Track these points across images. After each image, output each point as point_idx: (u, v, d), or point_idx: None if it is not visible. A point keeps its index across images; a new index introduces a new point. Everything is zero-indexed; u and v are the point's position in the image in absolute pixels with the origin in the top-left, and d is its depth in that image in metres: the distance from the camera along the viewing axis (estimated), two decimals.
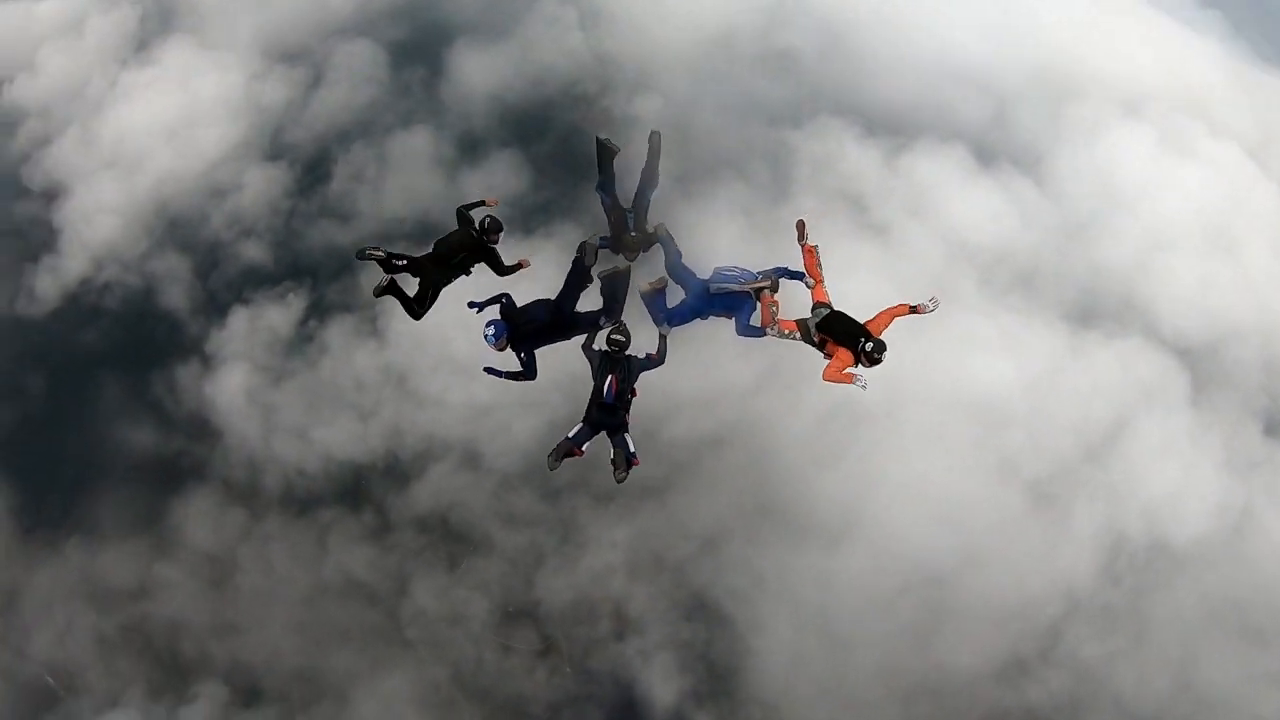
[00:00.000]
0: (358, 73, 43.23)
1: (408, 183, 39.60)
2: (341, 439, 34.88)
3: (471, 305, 12.46)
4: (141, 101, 43.50)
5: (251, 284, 38.27)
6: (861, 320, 11.13)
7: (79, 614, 35.34)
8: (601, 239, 12.54)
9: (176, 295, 39.50)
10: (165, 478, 36.62)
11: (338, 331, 36.49)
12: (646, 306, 11.86)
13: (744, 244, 36.92)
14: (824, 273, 11.56)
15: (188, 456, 36.69)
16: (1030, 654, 33.30)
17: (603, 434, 11.51)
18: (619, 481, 11.20)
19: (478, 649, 32.14)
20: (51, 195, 43.52)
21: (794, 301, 12.39)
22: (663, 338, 11.65)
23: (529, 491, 32.84)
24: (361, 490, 34.65)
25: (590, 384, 11.59)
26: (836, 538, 33.26)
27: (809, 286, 11.58)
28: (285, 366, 36.51)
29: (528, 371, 11.87)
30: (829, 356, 11.02)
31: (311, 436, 35.25)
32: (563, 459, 11.15)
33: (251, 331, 37.10)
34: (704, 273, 11.79)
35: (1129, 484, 35.23)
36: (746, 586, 32.64)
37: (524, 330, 11.70)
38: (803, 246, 11.73)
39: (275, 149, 41.98)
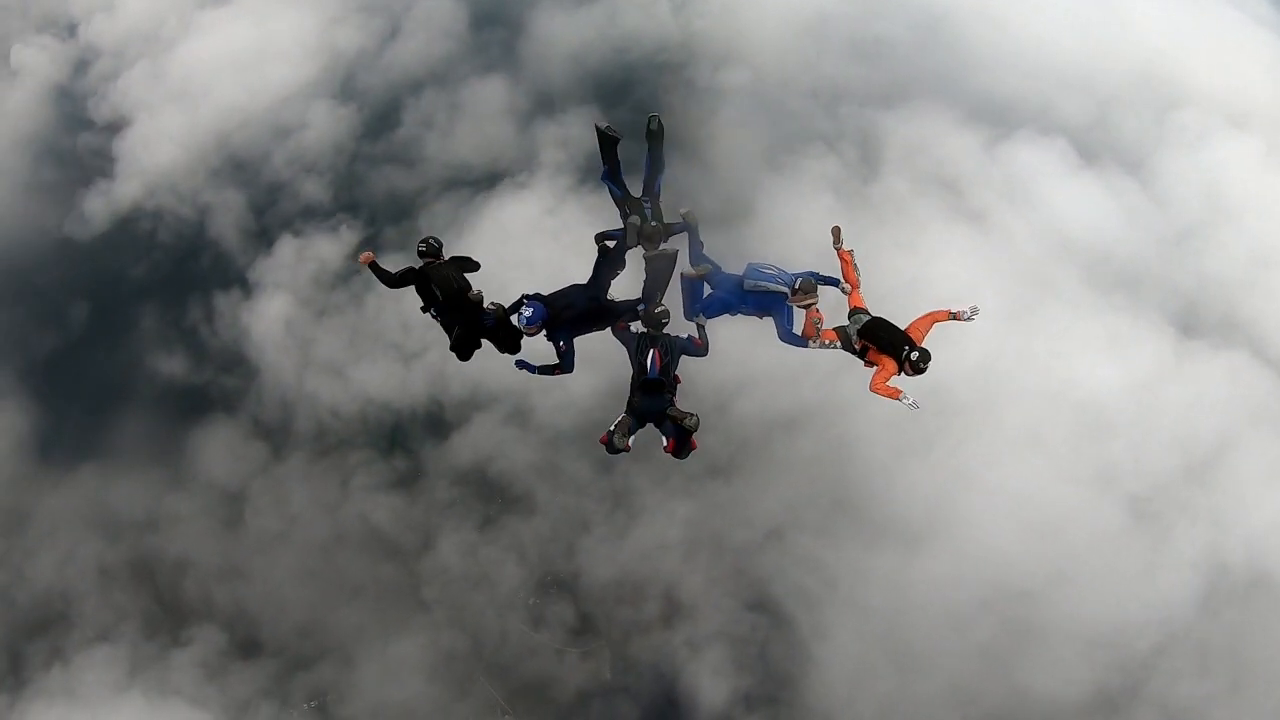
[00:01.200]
0: (436, 26, 37.84)
1: (478, 130, 33.88)
2: (381, 381, 29.11)
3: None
4: (214, 37, 38.43)
5: (304, 218, 32.58)
6: (901, 326, 9.62)
7: (85, 542, 29.90)
8: (615, 231, 10.67)
9: (227, 227, 34.12)
10: (190, 408, 31.13)
11: (386, 263, 30.55)
12: (683, 292, 10.25)
13: (833, 217, 31.00)
14: (860, 277, 10.01)
15: (216, 387, 31.15)
16: (1119, 688, 26.67)
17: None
18: (677, 456, 9.61)
19: (503, 619, 25.90)
20: (116, 128, 38.29)
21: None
22: (701, 327, 10.03)
23: (580, 453, 26.79)
24: (396, 437, 28.55)
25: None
26: (916, 540, 26.96)
27: (844, 292, 10.02)
28: (329, 300, 30.80)
29: (565, 363, 10.19)
30: (869, 364, 9.71)
31: (349, 375, 29.45)
32: (629, 437, 9.38)
33: (298, 261, 31.59)
34: (728, 266, 10.28)
35: (1232, 509, 28.34)
36: (812, 585, 26.37)
37: (562, 317, 9.89)
38: (838, 251, 10.21)
39: (345, 92, 36.79)
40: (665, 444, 9.64)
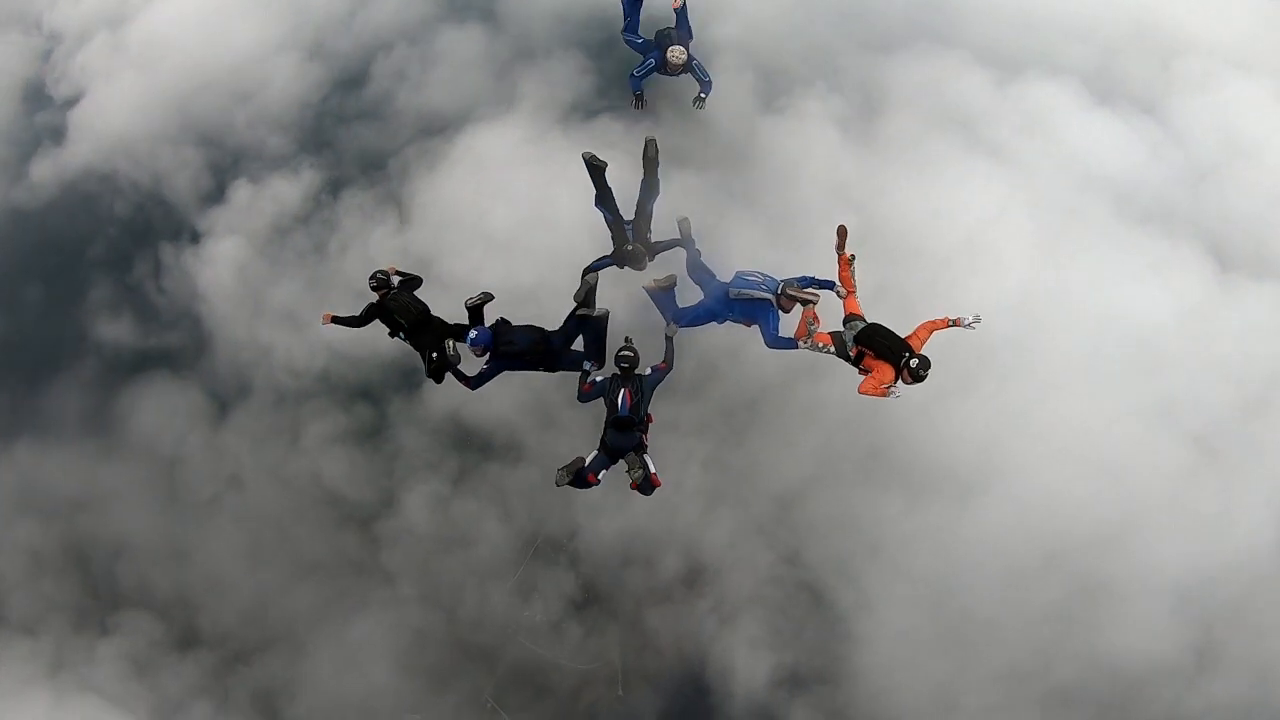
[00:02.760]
0: None
1: (453, 78, 27.58)
2: (344, 331, 22.06)
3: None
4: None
5: (263, 165, 25.91)
6: (901, 334, 8.47)
7: (14, 525, 22.85)
8: (602, 259, 9.74)
9: (182, 185, 27.21)
10: (131, 373, 23.97)
11: (352, 206, 24.08)
12: (655, 303, 9.08)
13: (839, 155, 25.38)
14: (857, 283, 8.74)
15: (160, 347, 24.09)
16: (1204, 644, 20.07)
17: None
18: (642, 492, 8.62)
19: (484, 590, 18.88)
20: (73, 102, 31.47)
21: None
22: (669, 339, 8.97)
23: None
24: (360, 390, 21.75)
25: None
26: (965, 491, 21.01)
27: (840, 296, 8.80)
28: (287, 243, 24.01)
29: (476, 382, 9.32)
30: (864, 371, 8.54)
31: (309, 326, 22.52)
32: (572, 477, 8.46)
33: (253, 204, 24.74)
34: (725, 275, 8.97)
35: None
36: (850, 547, 19.74)
37: (501, 348, 9.08)
38: (839, 255, 8.82)
39: (312, 49, 30.13)
40: (631, 482, 8.60)
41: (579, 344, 9.65)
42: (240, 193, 25.18)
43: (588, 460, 8.76)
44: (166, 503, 21.74)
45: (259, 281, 23.52)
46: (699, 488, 19.20)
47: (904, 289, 22.99)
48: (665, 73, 10.35)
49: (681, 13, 10.24)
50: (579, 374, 9.26)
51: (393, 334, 9.87)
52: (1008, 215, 24.10)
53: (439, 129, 26.30)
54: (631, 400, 8.60)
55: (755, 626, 18.10)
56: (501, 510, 19.31)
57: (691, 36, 10.41)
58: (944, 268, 23.29)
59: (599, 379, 9.12)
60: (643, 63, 10.13)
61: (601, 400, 8.90)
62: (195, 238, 24.96)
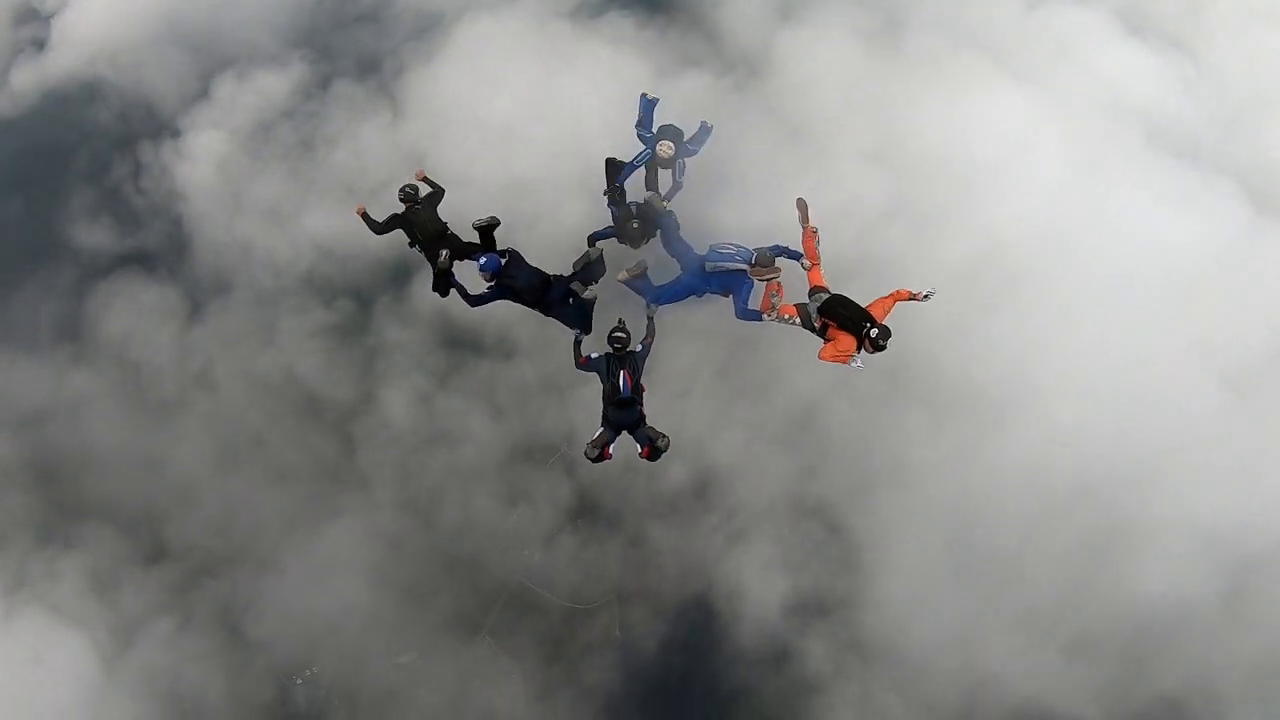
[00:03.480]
0: None
1: None
2: (332, 228, 19.39)
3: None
4: None
5: (250, 61, 22.83)
6: (863, 304, 8.08)
7: None
8: (606, 229, 9.65)
9: (165, 87, 24.08)
10: (105, 275, 21.11)
11: (342, 99, 21.17)
12: (632, 290, 9.03)
13: (862, 72, 22.64)
14: (820, 254, 8.48)
15: (135, 244, 21.17)
16: (1234, 595, 17.60)
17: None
18: (651, 459, 8.64)
19: (468, 496, 16.31)
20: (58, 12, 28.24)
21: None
22: (650, 319, 8.96)
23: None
24: (345, 287, 19.02)
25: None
26: (989, 419, 18.32)
27: (805, 269, 8.56)
28: (272, 138, 21.11)
29: (476, 301, 9.34)
30: (828, 341, 8.18)
31: (295, 223, 19.76)
32: (600, 449, 8.50)
33: (236, 98, 21.78)
34: (701, 248, 8.78)
35: None
36: (871, 465, 17.22)
37: (505, 281, 9.07)
38: (804, 229, 8.67)
39: None
40: (640, 451, 8.60)
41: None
42: (224, 88, 22.18)
43: (594, 437, 8.73)
44: (136, 409, 19.12)
45: (242, 177, 20.79)
46: (710, 393, 16.62)
47: (922, 207, 20.55)
48: (653, 164, 9.98)
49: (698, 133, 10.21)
50: (573, 342, 9.15)
51: (411, 244, 9.71)
52: (1034, 139, 21.45)
53: (437, 22, 23.28)
54: (632, 381, 8.57)
55: (767, 547, 15.76)
56: (490, 409, 16.71)
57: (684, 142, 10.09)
58: (965, 188, 20.73)
59: (595, 356, 8.98)
60: (639, 154, 9.66)
61: (599, 378, 8.83)
62: (176, 134, 22.02)
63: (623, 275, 9.00)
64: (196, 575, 16.88)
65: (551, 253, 20.02)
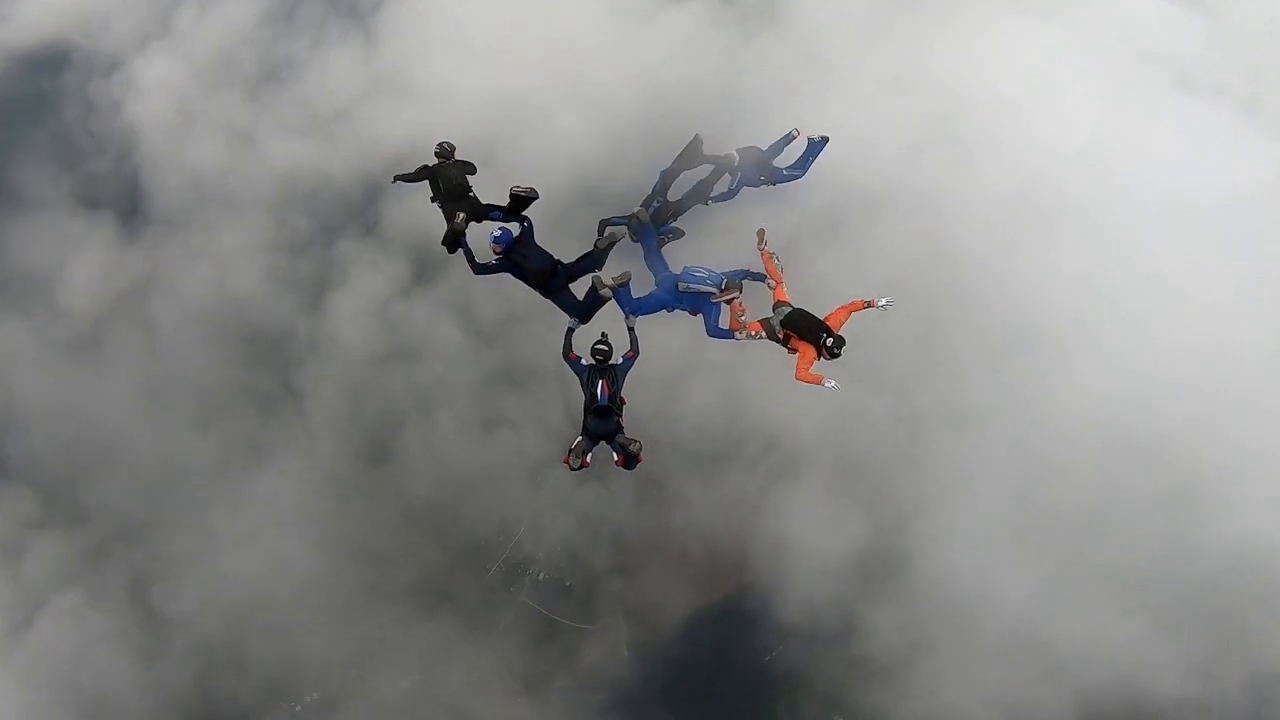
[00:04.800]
0: None
1: None
2: (297, 151, 16.05)
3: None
4: None
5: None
6: (821, 315, 7.91)
7: None
8: (617, 218, 8.71)
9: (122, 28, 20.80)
10: (55, 210, 17.43)
11: (310, 24, 17.92)
12: (615, 299, 8.21)
13: (876, 15, 19.81)
14: (784, 274, 8.20)
15: (85, 183, 17.56)
16: None
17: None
18: (628, 467, 7.50)
19: (432, 430, 12.44)
20: None
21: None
22: (631, 330, 8.23)
23: (578, 203, 13.83)
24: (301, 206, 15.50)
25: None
26: (1052, 348, 14.70)
27: (770, 288, 8.21)
28: (233, 66, 17.79)
29: (480, 269, 7.71)
30: (792, 351, 7.98)
31: (253, 151, 16.39)
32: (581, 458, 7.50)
33: (197, 26, 18.49)
34: (676, 268, 8.29)
35: None
36: (925, 405, 13.68)
37: (514, 257, 8.01)
38: (762, 251, 8.33)
39: None
40: (616, 459, 7.68)
41: (580, 289, 8.73)
42: (184, 16, 18.91)
43: (573, 445, 7.79)
44: (58, 352, 15.33)
45: (199, 108, 17.35)
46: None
47: (954, 138, 17.56)
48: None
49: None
50: (566, 329, 8.32)
51: (433, 199, 8.67)
52: (1059, 76, 18.72)
53: None
54: (609, 390, 8.01)
55: (814, 493, 12.00)
56: (459, 315, 12.99)
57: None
58: (996, 120, 17.88)
59: (583, 361, 8.19)
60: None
61: (579, 384, 8.06)
62: (127, 70, 18.62)
63: (610, 281, 8.47)
64: (112, 540, 12.95)
65: (539, 170, 17.06)
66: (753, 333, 8.33)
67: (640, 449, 7.97)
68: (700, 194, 9.01)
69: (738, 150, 8.80)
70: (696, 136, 8.81)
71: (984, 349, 14.77)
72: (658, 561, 14.15)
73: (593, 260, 8.64)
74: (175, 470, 13.20)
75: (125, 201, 17.32)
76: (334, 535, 12.22)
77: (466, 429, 12.78)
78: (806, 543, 12.39)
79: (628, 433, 8.03)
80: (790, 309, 8.14)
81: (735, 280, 8.31)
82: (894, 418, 13.60)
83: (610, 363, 8.30)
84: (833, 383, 7.73)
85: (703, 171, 8.97)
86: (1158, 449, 14.30)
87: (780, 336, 8.23)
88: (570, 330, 8.50)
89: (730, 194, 8.99)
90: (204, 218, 15.88)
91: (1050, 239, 16.60)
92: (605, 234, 8.69)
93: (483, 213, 8.68)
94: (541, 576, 14.65)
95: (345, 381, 13.20)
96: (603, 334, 8.26)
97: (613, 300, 8.37)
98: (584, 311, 8.68)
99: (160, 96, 17.84)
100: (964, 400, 14.02)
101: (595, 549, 14.73)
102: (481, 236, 8.21)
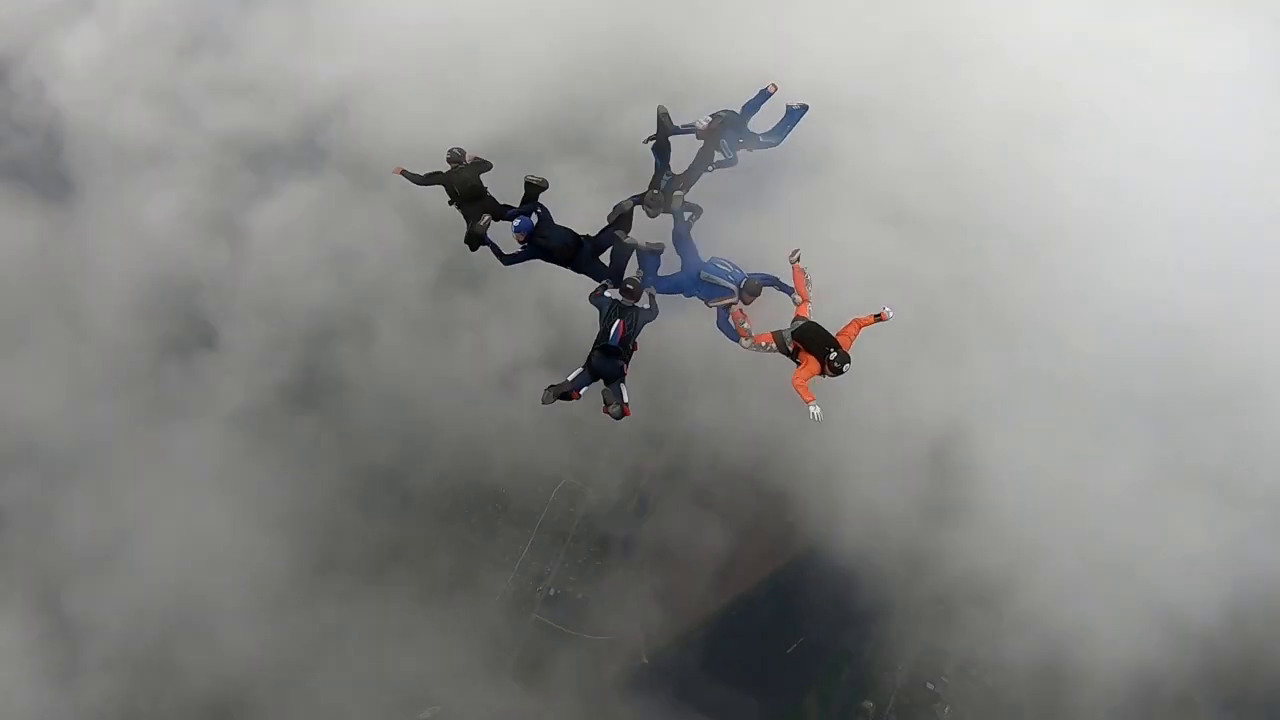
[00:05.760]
0: None
1: None
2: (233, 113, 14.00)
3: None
4: None
5: None
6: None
7: None
8: (634, 198, 8.44)
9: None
10: None
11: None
12: (639, 262, 8.28)
13: None
14: (812, 293, 7.96)
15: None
16: None
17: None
18: (613, 417, 7.63)
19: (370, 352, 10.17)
20: None
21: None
22: (651, 296, 8.15)
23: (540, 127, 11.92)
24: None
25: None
26: (1076, 256, 12.71)
27: (795, 304, 7.96)
28: (160, 34, 15.80)
29: (509, 260, 8.26)
30: (799, 365, 7.75)
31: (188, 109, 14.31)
32: (557, 399, 7.44)
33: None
34: (705, 256, 8.11)
35: None
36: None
37: (538, 240, 8.28)
38: (794, 266, 8.07)
39: None
40: (603, 407, 7.67)
41: (605, 257, 8.56)
42: None
43: (571, 377, 7.67)
44: None
45: (121, 79, 15.32)
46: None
47: (940, 48, 15.84)
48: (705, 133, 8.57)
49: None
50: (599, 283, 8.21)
51: (450, 202, 8.63)
52: None
53: None
54: (624, 333, 7.77)
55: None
56: (409, 220, 10.68)
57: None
58: (982, 29, 16.19)
59: (607, 294, 8.10)
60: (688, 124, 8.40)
61: (597, 318, 7.90)
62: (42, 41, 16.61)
63: (643, 244, 8.30)
64: (12, 539, 10.33)
65: (498, 96, 15.16)
66: (761, 344, 8.11)
67: (620, 412, 7.58)
68: (702, 163, 8.66)
69: (712, 115, 8.37)
70: (659, 108, 8.46)
71: (1011, 258, 12.79)
72: (676, 560, 12.84)
73: (613, 232, 8.40)
74: (86, 448, 10.72)
75: (53, 182, 15.24)
76: (278, 507, 9.71)
77: (420, 338, 10.50)
78: (860, 492, 10.28)
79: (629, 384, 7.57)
80: (805, 322, 7.98)
81: (755, 281, 8.09)
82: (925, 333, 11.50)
83: (635, 305, 8.15)
84: (817, 410, 7.53)
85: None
86: (1204, 338, 12.33)
87: (790, 349, 8.08)
88: (602, 285, 8.26)
89: (729, 161, 8.58)
90: (137, 188, 13.72)
91: (1062, 138, 14.81)
92: (614, 208, 8.39)
93: (500, 212, 8.64)
94: (553, 592, 13.45)
95: (271, 303, 10.85)
96: (639, 270, 8.10)
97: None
98: (616, 272, 8.50)
99: (85, 71, 15.93)
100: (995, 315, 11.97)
101: (607, 554, 13.13)
102: (503, 231, 8.00)
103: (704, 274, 8.27)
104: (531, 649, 13.18)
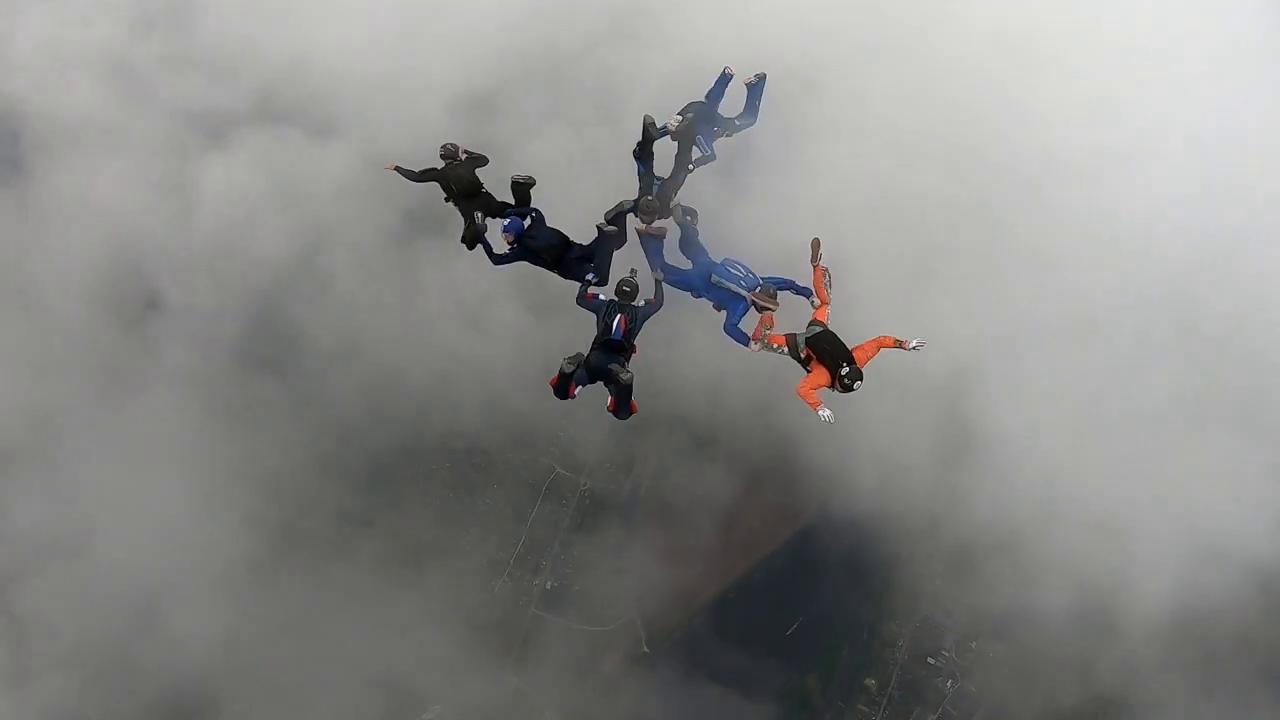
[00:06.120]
0: None
1: None
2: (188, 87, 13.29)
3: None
4: None
5: None
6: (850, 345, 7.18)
7: None
8: (625, 203, 7.94)
9: None
10: None
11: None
12: (643, 247, 7.69)
13: None
14: (831, 295, 7.48)
15: None
16: None
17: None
18: (619, 417, 7.31)
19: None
20: None
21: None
22: (659, 283, 7.60)
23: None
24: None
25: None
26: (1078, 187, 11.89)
27: (814, 306, 7.36)
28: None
29: (499, 260, 7.94)
30: (809, 373, 7.19)
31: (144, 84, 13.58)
32: (574, 368, 7.02)
33: None
34: (716, 255, 7.67)
35: None
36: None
37: (527, 241, 7.87)
38: (815, 267, 7.51)
39: None
40: (609, 403, 7.31)
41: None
42: None
43: (571, 368, 7.16)
44: None
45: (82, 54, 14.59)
46: None
47: None
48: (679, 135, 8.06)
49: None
50: (584, 279, 7.81)
51: (447, 199, 8.24)
52: None
53: None
54: (626, 328, 7.26)
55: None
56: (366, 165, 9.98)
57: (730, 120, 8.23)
58: None
59: (600, 297, 7.59)
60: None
61: (595, 319, 7.43)
62: None
63: (643, 227, 7.65)
64: None
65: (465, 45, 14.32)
66: (774, 345, 7.61)
67: (631, 378, 7.18)
68: (683, 164, 8.40)
69: (680, 114, 8.12)
70: (646, 117, 8.24)
71: (1016, 187, 12.01)
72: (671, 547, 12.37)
73: (605, 240, 8.01)
74: (35, 430, 10.05)
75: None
76: (240, 479, 8.96)
77: (382, 285, 9.82)
78: (872, 439, 9.69)
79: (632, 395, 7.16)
80: (822, 329, 7.45)
81: (770, 287, 7.61)
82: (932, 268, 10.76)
83: (634, 303, 7.69)
84: (827, 413, 7.02)
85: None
86: (1220, 261, 11.56)
87: (802, 355, 7.56)
88: (586, 283, 7.90)
89: (709, 157, 8.34)
90: (90, 165, 12.99)
91: (1055, 64, 13.94)
92: (615, 204, 7.90)
93: (498, 209, 8.32)
94: (550, 585, 12.92)
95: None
96: (632, 270, 7.70)
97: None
98: (599, 270, 8.02)
99: (35, 52, 15.14)
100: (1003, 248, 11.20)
101: (601, 546, 12.58)
102: (494, 229, 7.69)
103: (715, 277, 7.74)
104: (530, 643, 12.68)
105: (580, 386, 7.50)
